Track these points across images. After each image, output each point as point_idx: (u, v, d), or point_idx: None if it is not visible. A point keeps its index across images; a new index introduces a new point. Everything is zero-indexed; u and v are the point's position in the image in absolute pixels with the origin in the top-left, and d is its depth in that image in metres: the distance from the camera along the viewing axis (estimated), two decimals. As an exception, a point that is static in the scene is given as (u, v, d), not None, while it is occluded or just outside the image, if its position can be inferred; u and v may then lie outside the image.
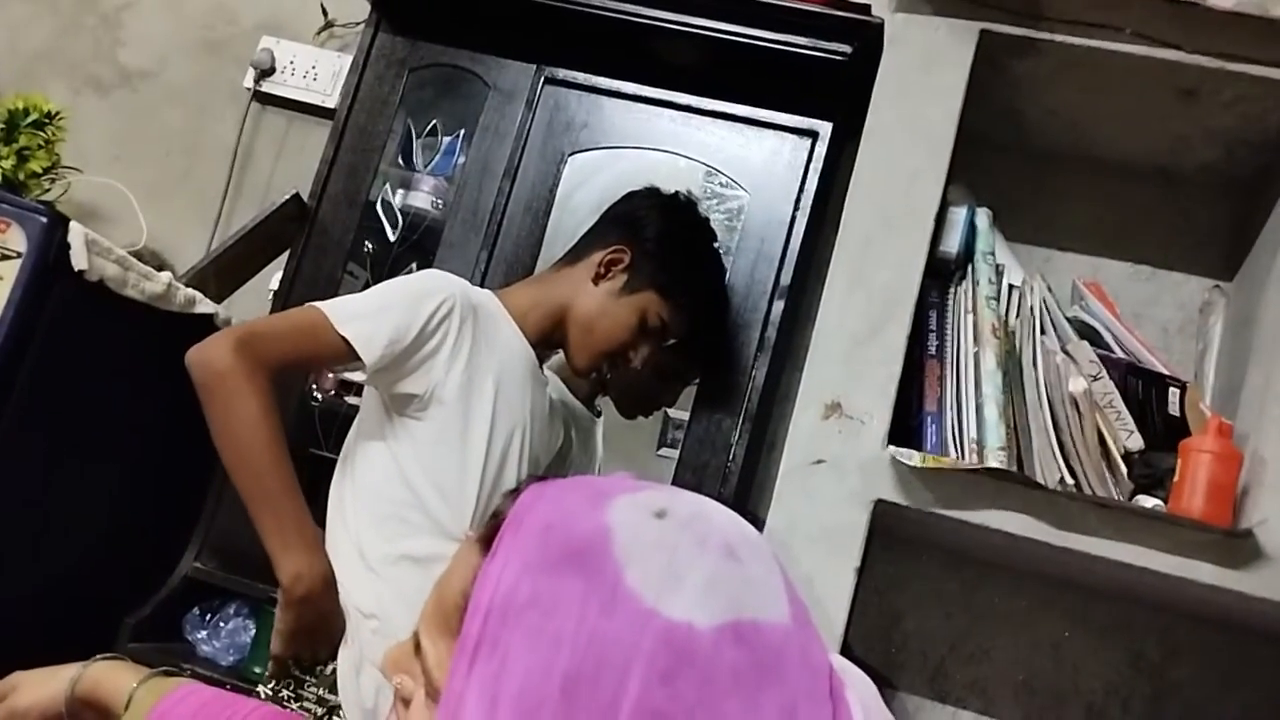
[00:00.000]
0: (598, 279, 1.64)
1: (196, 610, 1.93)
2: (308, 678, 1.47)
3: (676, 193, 1.73)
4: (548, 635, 0.55)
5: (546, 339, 1.64)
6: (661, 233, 1.66)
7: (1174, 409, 1.50)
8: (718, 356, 1.88)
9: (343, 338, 1.45)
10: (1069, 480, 1.39)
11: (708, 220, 1.75)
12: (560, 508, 0.61)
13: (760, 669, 0.57)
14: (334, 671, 1.46)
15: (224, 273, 2.12)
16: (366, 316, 1.48)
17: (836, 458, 1.41)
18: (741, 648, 0.57)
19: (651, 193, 1.72)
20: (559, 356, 1.73)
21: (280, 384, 1.48)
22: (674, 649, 0.55)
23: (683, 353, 1.78)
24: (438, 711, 0.58)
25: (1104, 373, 1.48)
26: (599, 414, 1.95)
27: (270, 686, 1.47)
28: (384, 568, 1.49)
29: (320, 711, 1.45)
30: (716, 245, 1.76)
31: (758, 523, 0.74)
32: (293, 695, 1.46)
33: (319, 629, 1.45)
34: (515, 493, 0.64)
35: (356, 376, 1.50)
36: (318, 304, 1.50)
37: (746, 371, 1.86)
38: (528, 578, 0.57)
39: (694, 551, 0.59)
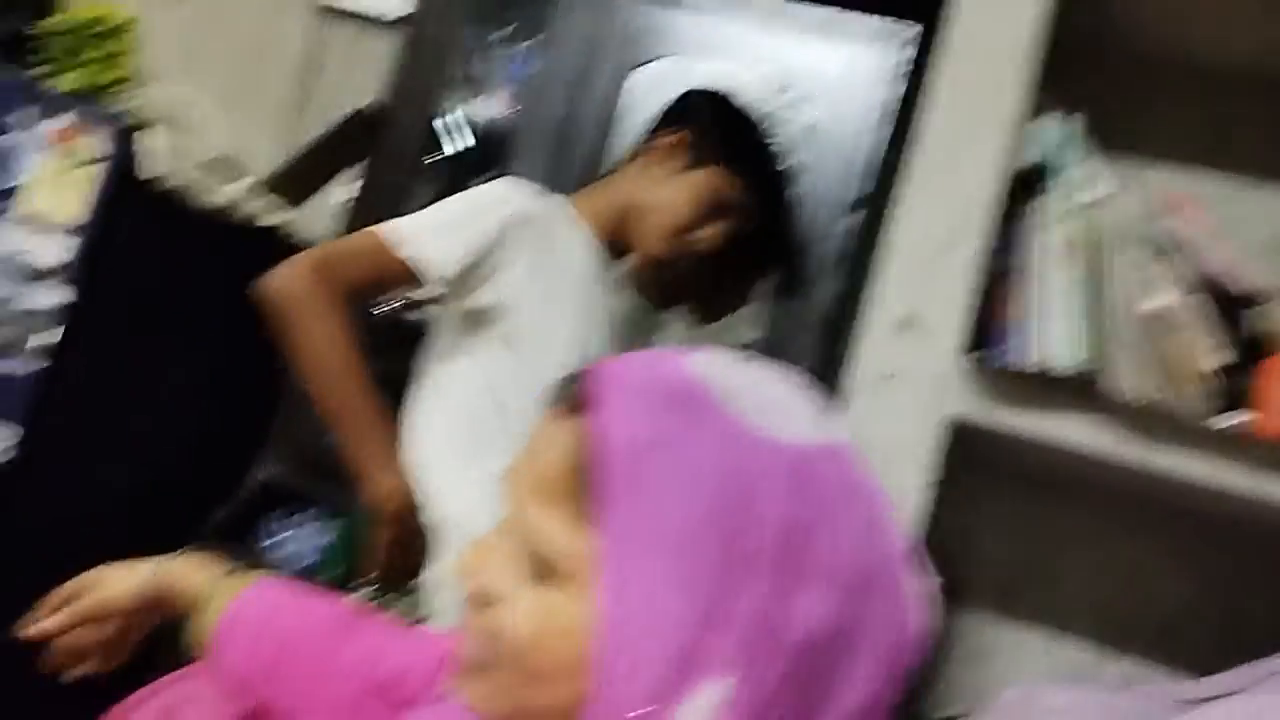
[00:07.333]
0: (659, 165, 1.61)
1: (273, 515, 1.97)
2: (397, 594, 1.48)
3: (732, 90, 1.69)
4: (683, 471, 0.58)
5: (616, 240, 1.61)
6: (720, 113, 1.64)
7: (1259, 327, 1.45)
8: (788, 248, 1.78)
9: (410, 258, 1.43)
10: (1147, 398, 1.36)
11: (767, 115, 1.70)
12: (644, 367, 0.64)
13: (850, 486, 0.62)
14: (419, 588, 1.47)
15: (294, 185, 2.13)
16: (438, 234, 1.46)
17: (909, 372, 1.39)
18: (837, 466, 0.62)
19: (709, 88, 1.69)
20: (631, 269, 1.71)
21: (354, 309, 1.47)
22: (794, 469, 0.59)
23: (753, 240, 1.68)
24: (604, 571, 0.57)
25: (1189, 289, 1.43)
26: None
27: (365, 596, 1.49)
28: (476, 485, 1.46)
29: (410, 621, 1.45)
30: (774, 136, 1.69)
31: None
32: (382, 604, 1.47)
33: (411, 544, 1.46)
34: (576, 376, 0.65)
35: (425, 295, 1.48)
36: (383, 225, 1.47)
37: (821, 285, 1.83)
38: (643, 421, 0.59)
39: (778, 387, 0.65)
